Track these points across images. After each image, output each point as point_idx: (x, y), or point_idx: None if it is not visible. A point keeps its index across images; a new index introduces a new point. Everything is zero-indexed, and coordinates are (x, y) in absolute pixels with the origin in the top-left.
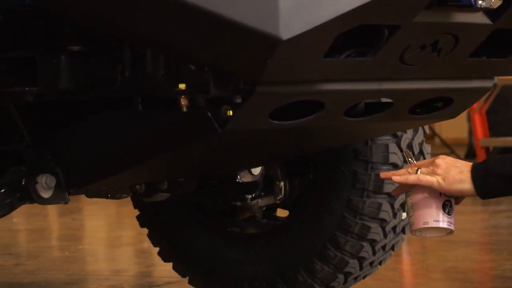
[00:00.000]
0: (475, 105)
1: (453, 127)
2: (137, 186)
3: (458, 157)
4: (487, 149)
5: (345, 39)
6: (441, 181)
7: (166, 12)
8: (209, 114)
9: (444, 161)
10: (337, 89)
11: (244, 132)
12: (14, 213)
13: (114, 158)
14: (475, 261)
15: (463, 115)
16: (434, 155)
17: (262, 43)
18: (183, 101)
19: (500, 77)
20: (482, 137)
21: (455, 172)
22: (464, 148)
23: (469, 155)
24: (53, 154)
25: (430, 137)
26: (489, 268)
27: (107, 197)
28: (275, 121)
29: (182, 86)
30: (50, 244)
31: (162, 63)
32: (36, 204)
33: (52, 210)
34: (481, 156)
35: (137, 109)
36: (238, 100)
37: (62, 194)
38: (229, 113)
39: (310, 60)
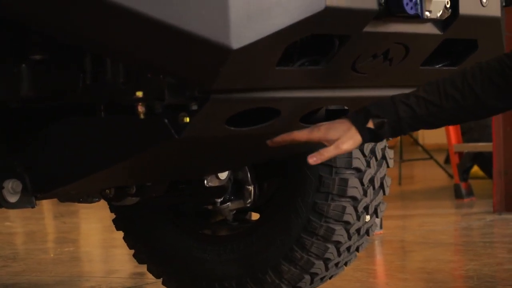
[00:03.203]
0: None
1: (435, 134)
2: (107, 191)
3: (437, 163)
4: (460, 154)
5: (300, 48)
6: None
7: (121, 22)
8: (166, 121)
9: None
10: (292, 97)
11: (202, 138)
12: (7, 216)
13: (78, 163)
14: (442, 262)
15: None
16: (416, 161)
17: (214, 53)
18: (141, 108)
19: None
20: (455, 143)
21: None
22: (445, 153)
23: (449, 160)
24: (19, 160)
25: (412, 144)
26: (453, 268)
27: (79, 201)
28: (232, 128)
29: (139, 93)
30: (38, 247)
31: (121, 71)
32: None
33: (48, 213)
34: (454, 160)
35: (100, 116)
36: (194, 107)
37: (28, 198)
38: (186, 120)
39: (263, 69)
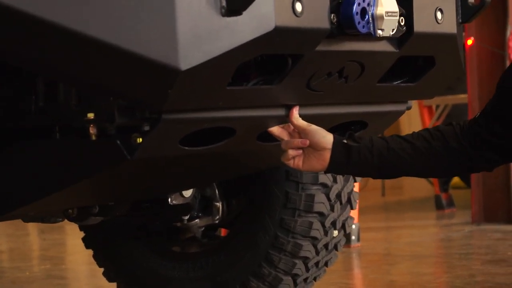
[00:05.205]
0: (428, 123)
1: None
2: (69, 210)
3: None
4: None
5: (254, 67)
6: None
7: (69, 45)
8: (118, 142)
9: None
10: (246, 116)
11: (156, 158)
12: None
13: (33, 185)
14: (417, 275)
15: None
16: None
17: (163, 74)
18: (92, 130)
19: (451, 96)
20: None
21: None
22: None
23: None
24: None
25: None
26: (427, 281)
27: (42, 221)
28: (186, 147)
29: (90, 115)
30: (15, 265)
31: (73, 93)
32: (10, 225)
33: (32, 229)
34: None
35: (55, 138)
36: (146, 128)
37: None
38: (139, 140)
39: (214, 89)
